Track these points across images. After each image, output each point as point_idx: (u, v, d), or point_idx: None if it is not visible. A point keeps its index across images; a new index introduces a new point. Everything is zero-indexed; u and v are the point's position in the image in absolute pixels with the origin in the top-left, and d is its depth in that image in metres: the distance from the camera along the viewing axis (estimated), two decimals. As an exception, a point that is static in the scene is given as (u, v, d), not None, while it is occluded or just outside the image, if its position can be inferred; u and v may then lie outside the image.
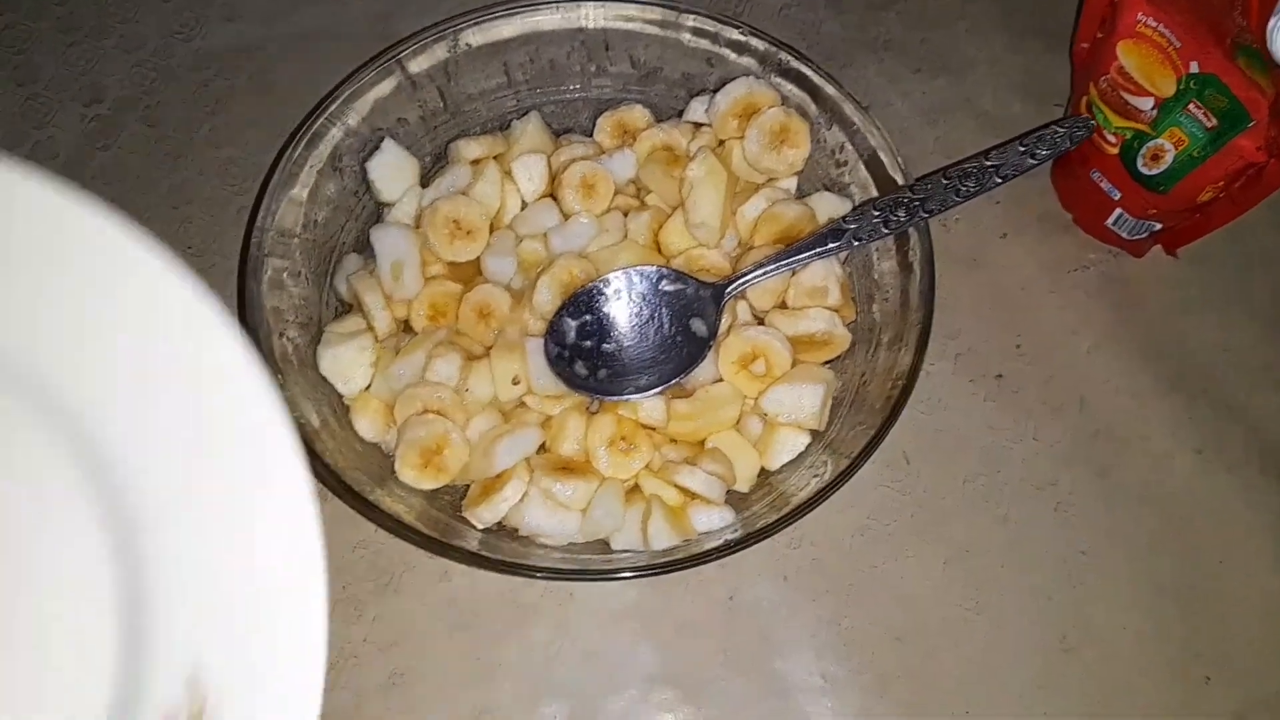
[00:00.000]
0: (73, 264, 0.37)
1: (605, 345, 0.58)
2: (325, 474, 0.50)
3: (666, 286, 0.59)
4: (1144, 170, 0.64)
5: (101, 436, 0.37)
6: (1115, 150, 0.66)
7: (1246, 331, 0.69)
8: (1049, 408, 0.66)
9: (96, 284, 0.37)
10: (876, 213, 0.57)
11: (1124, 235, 0.70)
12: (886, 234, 0.57)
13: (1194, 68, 0.59)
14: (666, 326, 0.59)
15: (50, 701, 0.35)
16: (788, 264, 0.58)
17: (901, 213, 0.57)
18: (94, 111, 0.77)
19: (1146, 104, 0.62)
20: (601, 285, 0.59)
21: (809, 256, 0.58)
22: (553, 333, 0.58)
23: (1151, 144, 0.63)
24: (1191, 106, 0.60)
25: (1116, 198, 0.68)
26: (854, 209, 0.61)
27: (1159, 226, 0.68)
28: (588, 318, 0.59)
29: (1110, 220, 0.69)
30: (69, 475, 0.36)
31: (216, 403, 0.37)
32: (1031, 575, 0.62)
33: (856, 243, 0.57)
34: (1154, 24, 0.60)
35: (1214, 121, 0.59)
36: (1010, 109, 0.77)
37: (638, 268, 0.59)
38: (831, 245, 0.58)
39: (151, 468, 0.36)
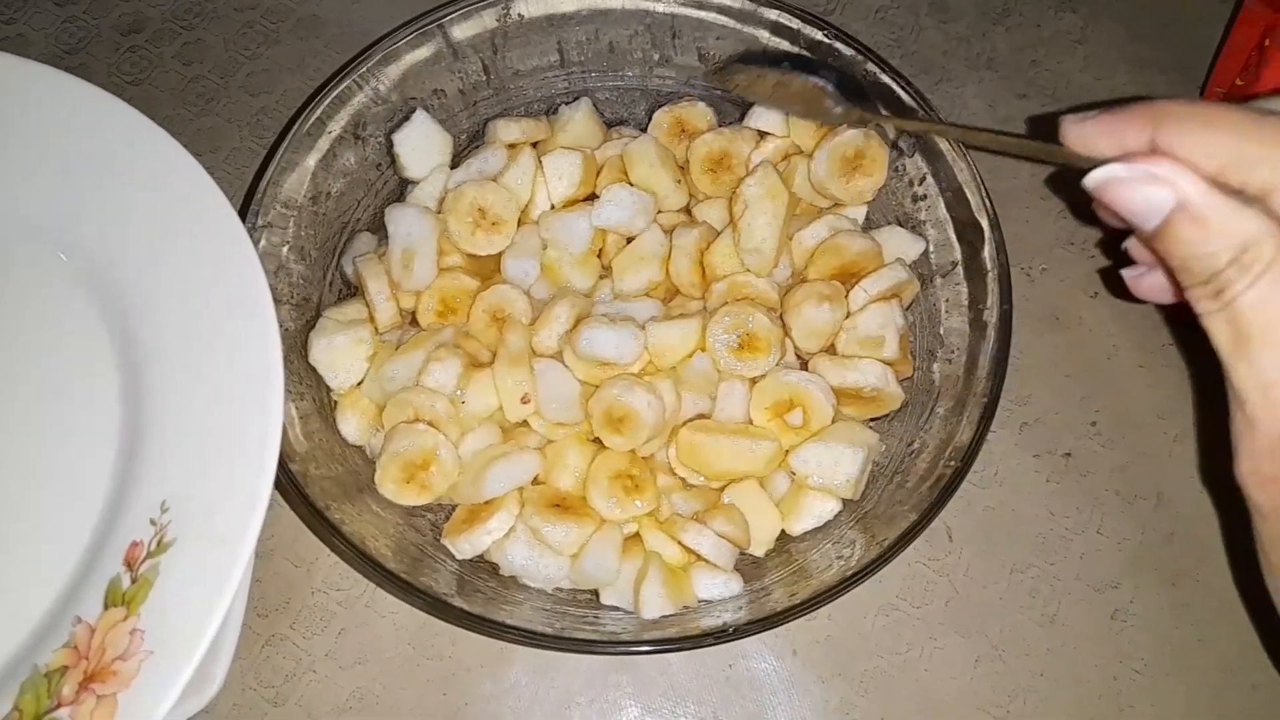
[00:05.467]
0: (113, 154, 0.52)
1: None
2: (287, 483, 0.45)
3: None
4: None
5: (134, 325, 0.47)
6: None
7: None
8: (1120, 499, 0.58)
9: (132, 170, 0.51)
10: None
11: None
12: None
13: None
14: None
15: (47, 530, 0.44)
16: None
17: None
18: (130, 42, 0.73)
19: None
20: None
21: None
22: None
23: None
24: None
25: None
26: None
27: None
28: None
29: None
30: (101, 336, 0.48)
31: (219, 290, 0.46)
32: (1073, 690, 0.54)
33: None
34: (1310, 77, 0.52)
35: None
36: (1122, 151, 0.68)
37: None
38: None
39: (161, 333, 0.46)
